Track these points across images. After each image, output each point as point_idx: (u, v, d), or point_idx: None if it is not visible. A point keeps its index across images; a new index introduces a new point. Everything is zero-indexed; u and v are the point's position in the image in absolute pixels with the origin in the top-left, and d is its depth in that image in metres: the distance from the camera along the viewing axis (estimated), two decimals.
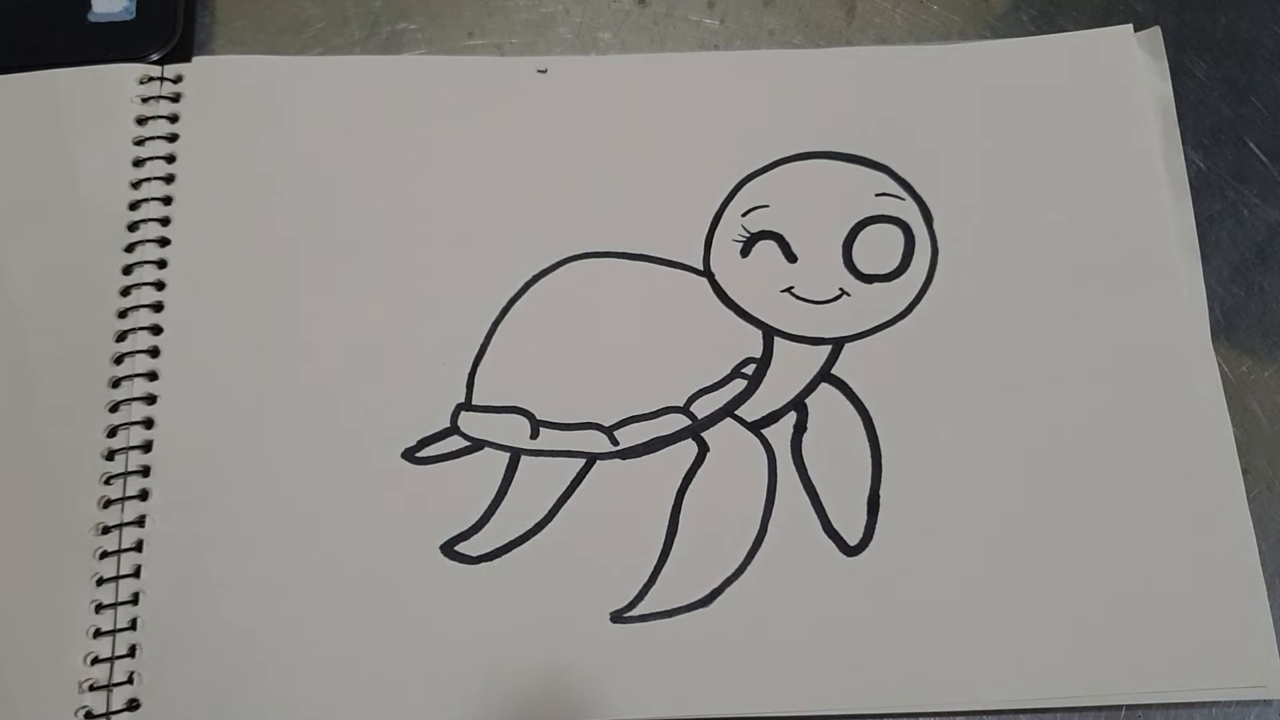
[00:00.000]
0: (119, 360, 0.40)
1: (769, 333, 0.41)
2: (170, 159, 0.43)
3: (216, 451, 0.39)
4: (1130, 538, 0.38)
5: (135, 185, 0.42)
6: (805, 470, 0.39)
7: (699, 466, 0.39)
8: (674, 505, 0.39)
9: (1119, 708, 0.37)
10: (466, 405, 0.40)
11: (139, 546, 0.38)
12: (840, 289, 0.41)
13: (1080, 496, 0.38)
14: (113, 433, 0.39)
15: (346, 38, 0.45)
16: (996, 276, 0.41)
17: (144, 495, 0.39)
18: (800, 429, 0.40)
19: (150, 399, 0.40)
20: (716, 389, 0.40)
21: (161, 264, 0.42)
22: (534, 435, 0.40)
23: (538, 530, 0.38)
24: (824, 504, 0.39)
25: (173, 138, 0.43)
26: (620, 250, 0.42)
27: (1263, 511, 0.39)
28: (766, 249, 0.42)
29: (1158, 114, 0.44)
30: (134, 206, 0.42)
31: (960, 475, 0.39)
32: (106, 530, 0.38)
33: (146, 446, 0.39)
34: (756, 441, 0.39)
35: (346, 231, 0.42)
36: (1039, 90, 0.44)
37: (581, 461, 0.39)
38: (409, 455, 0.39)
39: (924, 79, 0.44)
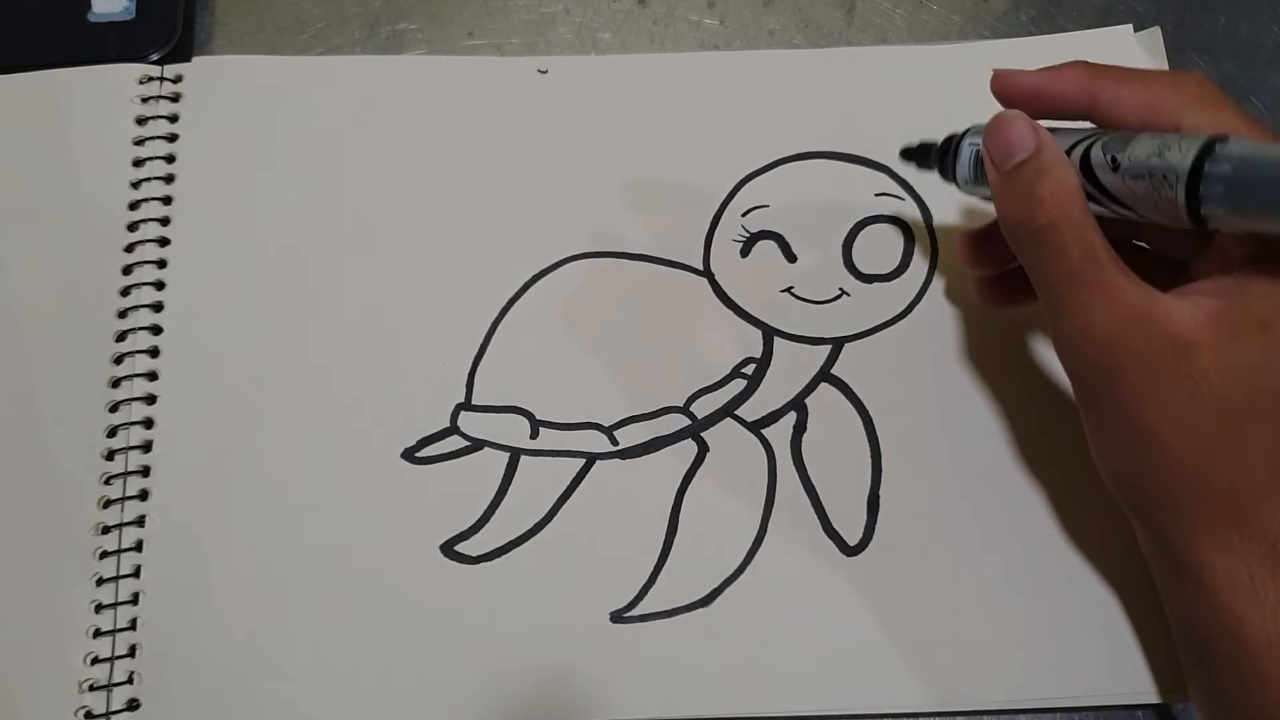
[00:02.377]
0: (119, 360, 0.40)
1: (769, 332, 0.41)
2: (170, 159, 0.43)
3: (216, 451, 0.39)
4: (1130, 538, 0.38)
5: (135, 185, 0.42)
6: (805, 470, 0.39)
7: (699, 466, 0.39)
8: (674, 505, 0.39)
9: (1119, 708, 0.37)
10: (466, 405, 0.40)
11: (139, 546, 0.38)
12: (840, 289, 0.41)
13: (1080, 496, 0.38)
14: (113, 433, 0.39)
15: (346, 38, 0.45)
16: None
17: (144, 495, 0.39)
18: (800, 429, 0.40)
19: (150, 399, 0.40)
20: (716, 389, 0.40)
21: (161, 264, 0.42)
22: (534, 435, 0.40)
23: (537, 530, 0.38)
24: (824, 504, 0.39)
25: (172, 138, 0.43)
26: (620, 250, 0.42)
27: None
28: (766, 249, 0.42)
29: None
30: (134, 206, 0.42)
31: (960, 475, 0.39)
32: (106, 530, 0.38)
33: (146, 446, 0.39)
34: (756, 441, 0.39)
35: (346, 231, 0.42)
36: None
37: (581, 461, 0.39)
38: (409, 455, 0.39)
39: (924, 79, 0.44)
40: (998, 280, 0.38)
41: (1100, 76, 0.33)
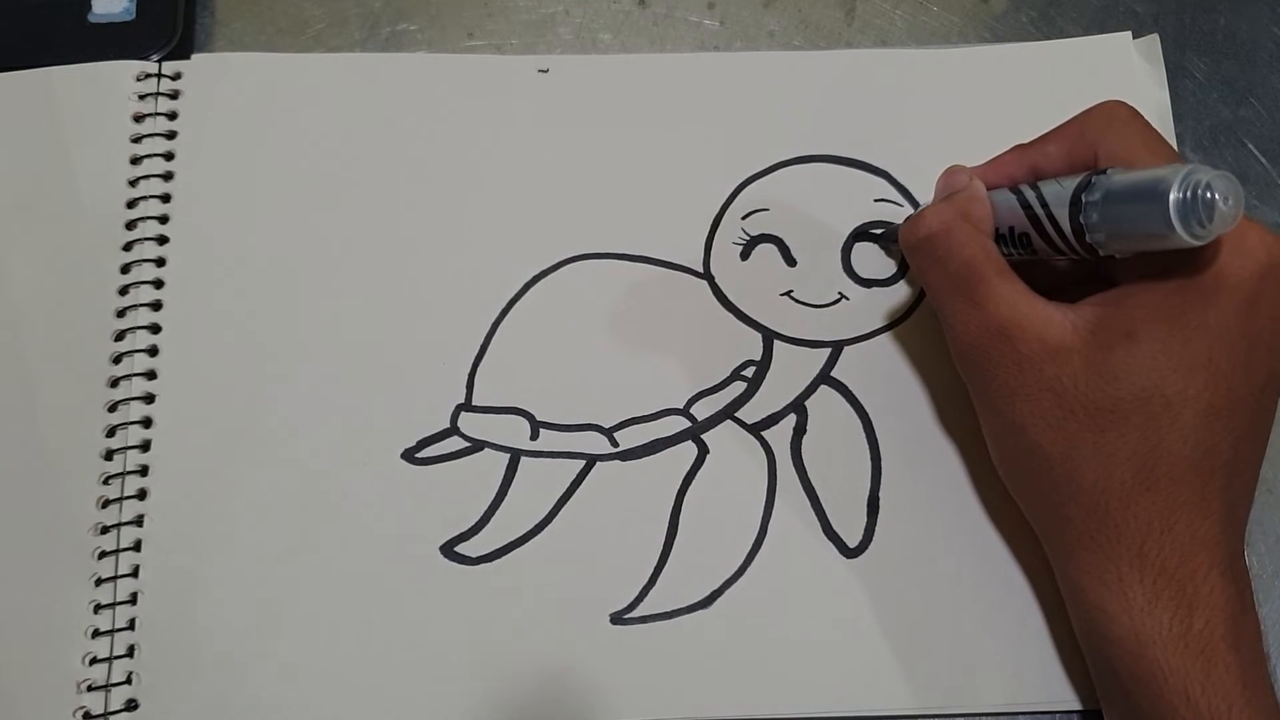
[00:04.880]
0: (117, 360, 0.40)
1: (768, 335, 0.41)
2: (169, 156, 0.43)
3: (215, 451, 0.39)
4: None
5: (133, 183, 0.42)
6: (805, 472, 0.39)
7: (699, 468, 0.39)
8: (674, 507, 0.39)
9: None
10: (466, 406, 0.40)
11: (137, 546, 0.38)
12: (839, 293, 0.41)
13: None
14: (111, 432, 0.39)
15: (346, 38, 0.45)
16: None
17: (142, 495, 0.39)
18: (800, 431, 0.40)
19: (149, 398, 0.40)
20: (716, 391, 0.40)
21: (160, 262, 0.42)
22: (534, 436, 0.39)
23: (537, 531, 0.38)
24: (824, 505, 0.39)
25: (171, 135, 0.43)
26: (620, 252, 0.42)
27: (1263, 513, 0.39)
28: (766, 252, 0.42)
29: (1154, 120, 0.43)
30: (132, 205, 0.42)
31: (959, 477, 0.39)
32: (105, 530, 0.38)
33: (145, 446, 0.39)
34: (756, 443, 0.39)
35: (346, 231, 0.42)
36: (1037, 95, 0.43)
37: (581, 463, 0.39)
38: (409, 456, 0.39)
39: (923, 82, 0.44)
40: None
41: (1030, 146, 0.36)
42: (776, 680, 0.37)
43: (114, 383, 0.40)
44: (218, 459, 0.39)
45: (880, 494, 0.39)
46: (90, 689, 0.37)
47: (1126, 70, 0.44)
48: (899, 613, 0.37)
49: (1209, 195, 0.28)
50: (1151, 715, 0.30)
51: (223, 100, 0.44)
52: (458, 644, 0.37)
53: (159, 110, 0.43)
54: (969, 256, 0.34)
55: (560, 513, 0.39)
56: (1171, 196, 0.28)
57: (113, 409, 0.40)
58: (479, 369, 0.40)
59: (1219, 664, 0.30)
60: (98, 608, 0.37)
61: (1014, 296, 0.33)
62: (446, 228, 0.42)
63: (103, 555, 0.38)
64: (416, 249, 0.42)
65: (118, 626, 0.37)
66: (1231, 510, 0.32)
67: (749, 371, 0.40)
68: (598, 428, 0.40)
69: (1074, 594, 0.33)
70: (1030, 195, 0.34)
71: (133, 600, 0.38)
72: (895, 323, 0.41)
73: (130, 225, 0.42)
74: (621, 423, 0.40)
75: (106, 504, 0.39)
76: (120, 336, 0.40)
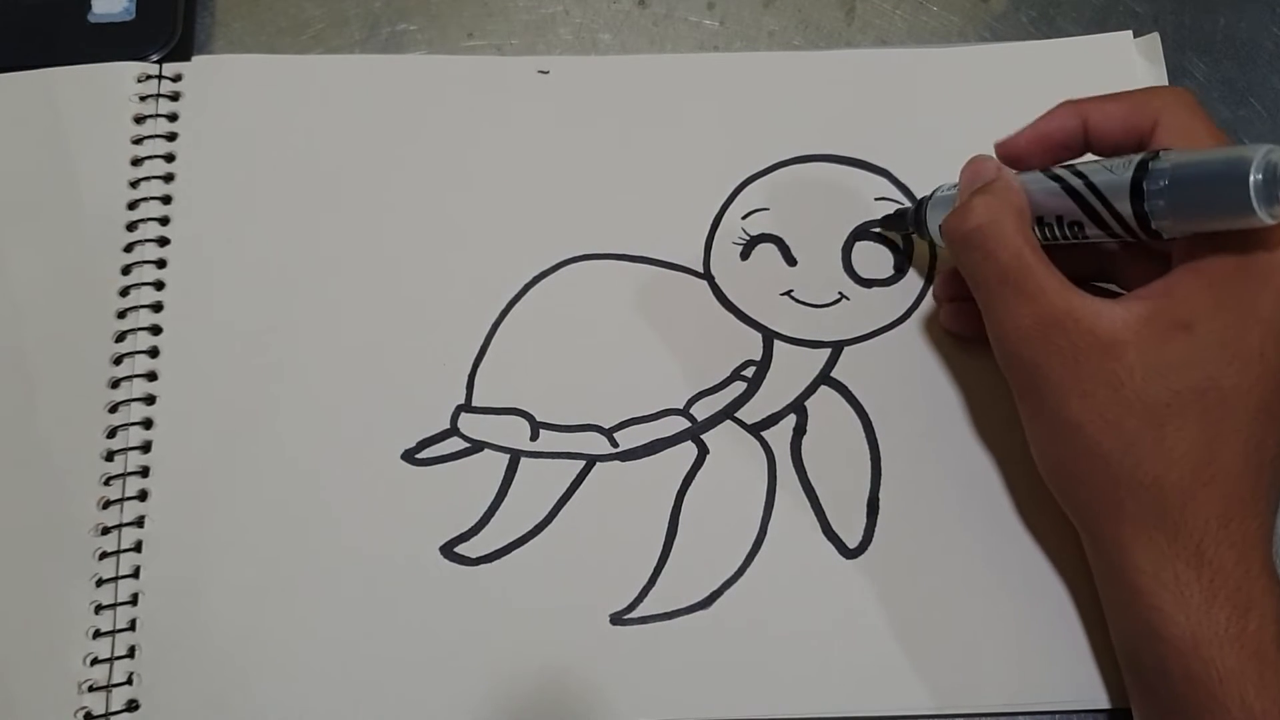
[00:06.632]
0: (118, 361, 0.40)
1: (768, 335, 0.41)
2: (169, 158, 0.43)
3: (216, 452, 0.39)
4: None
5: (134, 185, 0.42)
6: (805, 472, 0.39)
7: (699, 468, 0.39)
8: (674, 507, 0.39)
9: (1118, 711, 0.37)
10: (466, 406, 0.40)
11: (138, 547, 0.38)
12: (840, 293, 0.41)
13: None
14: (112, 433, 0.39)
15: (346, 39, 0.45)
16: None
17: (143, 496, 0.39)
18: (800, 431, 0.40)
19: (149, 399, 0.40)
20: (716, 391, 0.40)
21: (161, 264, 0.42)
22: (534, 437, 0.40)
23: (537, 532, 0.38)
24: (823, 506, 0.39)
25: (171, 136, 0.43)
26: (620, 252, 0.42)
27: None
28: (766, 252, 0.42)
29: None
30: (132, 206, 0.42)
31: (959, 477, 0.39)
32: (106, 531, 0.38)
33: (146, 447, 0.39)
34: (756, 443, 0.39)
35: (346, 232, 0.42)
36: (1038, 95, 0.43)
37: (581, 463, 0.39)
38: (409, 456, 0.39)
39: (923, 82, 0.44)
40: (959, 309, 0.39)
41: (1087, 100, 0.35)
42: (776, 681, 0.37)
43: (115, 383, 0.40)
44: (218, 460, 0.39)
45: (880, 494, 0.39)
46: (91, 689, 0.37)
47: (1127, 69, 0.44)
48: (899, 613, 0.37)
49: None
50: (1203, 717, 0.30)
51: (223, 101, 0.44)
52: (458, 644, 0.37)
53: (159, 111, 0.43)
54: (1018, 248, 0.33)
55: (560, 513, 0.39)
56: (1252, 179, 0.28)
57: (113, 410, 0.40)
58: (479, 370, 0.40)
59: (1270, 667, 0.29)
60: (99, 608, 0.38)
61: (1064, 288, 0.32)
62: (446, 228, 0.42)
63: (104, 556, 0.38)
64: (416, 250, 0.42)
65: (119, 627, 0.37)
66: (1273, 509, 0.31)
67: (749, 371, 0.40)
68: (598, 428, 0.40)
69: (1127, 594, 0.32)
70: (1078, 183, 0.33)
71: (133, 601, 0.38)
72: (895, 323, 0.41)
73: (131, 226, 0.42)
74: (621, 423, 0.40)
75: (107, 505, 0.39)
76: (121, 337, 0.41)
